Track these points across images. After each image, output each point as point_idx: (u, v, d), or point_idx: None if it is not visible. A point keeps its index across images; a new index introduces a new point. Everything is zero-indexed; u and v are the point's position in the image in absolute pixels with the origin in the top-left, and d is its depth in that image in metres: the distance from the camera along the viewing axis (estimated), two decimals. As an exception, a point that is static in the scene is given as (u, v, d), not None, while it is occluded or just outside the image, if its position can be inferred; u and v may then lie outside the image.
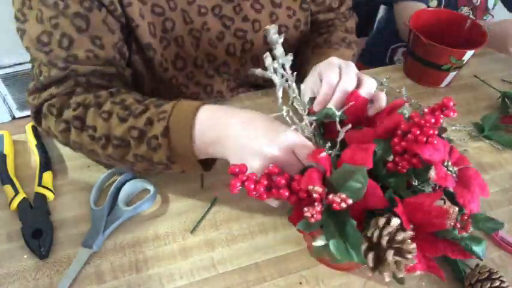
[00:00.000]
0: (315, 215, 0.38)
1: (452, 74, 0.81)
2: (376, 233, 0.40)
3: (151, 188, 0.59)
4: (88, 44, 0.56)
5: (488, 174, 0.67)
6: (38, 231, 0.54)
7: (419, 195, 0.43)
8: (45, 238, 0.53)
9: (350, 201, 0.39)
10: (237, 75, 0.76)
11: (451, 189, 0.44)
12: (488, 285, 0.49)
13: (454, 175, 0.44)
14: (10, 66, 1.57)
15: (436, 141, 0.43)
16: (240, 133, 0.48)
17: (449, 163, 0.45)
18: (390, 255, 0.38)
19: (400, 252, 0.39)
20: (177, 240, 0.56)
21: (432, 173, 0.42)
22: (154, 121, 0.50)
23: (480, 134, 0.73)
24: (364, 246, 0.40)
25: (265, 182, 0.42)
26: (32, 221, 0.55)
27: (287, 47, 0.45)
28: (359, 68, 0.61)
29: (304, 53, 0.76)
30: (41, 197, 0.58)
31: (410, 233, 0.40)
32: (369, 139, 0.47)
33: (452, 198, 0.44)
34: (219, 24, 0.68)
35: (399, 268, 0.39)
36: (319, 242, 0.41)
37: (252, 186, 0.41)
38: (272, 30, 0.42)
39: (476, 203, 0.44)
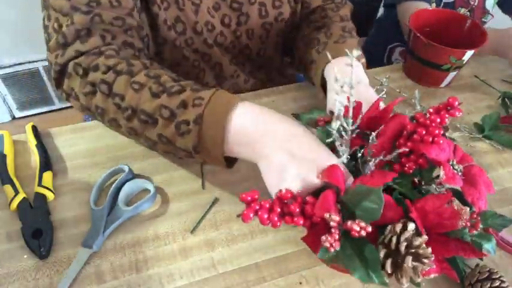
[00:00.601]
0: (333, 244, 0.38)
1: (452, 74, 0.81)
2: (394, 239, 0.39)
3: (151, 188, 0.59)
4: None
5: (488, 174, 0.67)
6: (38, 231, 0.54)
7: (429, 197, 0.42)
8: (45, 238, 0.53)
9: (369, 229, 0.38)
10: (232, 47, 0.76)
11: (458, 188, 0.44)
12: (488, 285, 0.49)
13: (460, 173, 0.44)
14: (10, 66, 1.57)
15: (441, 141, 0.43)
16: (283, 145, 0.45)
17: (455, 162, 0.45)
18: (409, 261, 0.38)
19: (417, 257, 0.39)
20: (177, 240, 0.56)
21: (441, 173, 0.42)
22: (188, 105, 0.47)
23: (480, 133, 0.73)
24: (382, 253, 0.39)
25: (278, 210, 0.41)
26: (32, 221, 0.55)
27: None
28: None
29: (301, 49, 0.75)
30: (41, 197, 0.58)
31: (425, 237, 0.39)
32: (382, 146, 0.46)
33: (459, 197, 0.44)
34: None
35: (416, 273, 0.38)
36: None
37: (266, 215, 0.40)
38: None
39: (484, 201, 0.44)
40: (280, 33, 0.80)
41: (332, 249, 0.38)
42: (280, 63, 0.89)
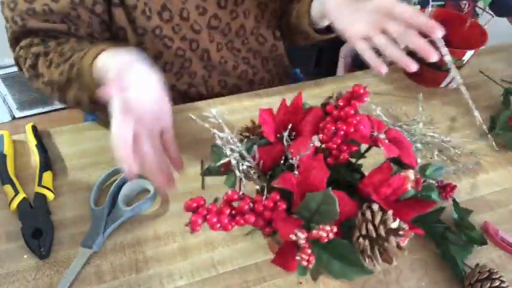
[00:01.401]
0: (309, 259, 0.37)
1: (452, 75, 0.81)
2: (370, 226, 0.40)
3: (151, 188, 0.59)
4: None
5: (488, 174, 0.67)
6: (38, 231, 0.54)
7: (372, 174, 0.43)
8: (45, 238, 0.53)
9: (335, 229, 0.37)
10: (228, 30, 0.77)
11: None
12: (488, 285, 0.49)
13: (387, 141, 0.45)
14: (10, 66, 1.57)
15: (362, 127, 0.44)
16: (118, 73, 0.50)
17: (378, 133, 0.45)
18: (393, 240, 0.38)
19: (395, 232, 0.39)
20: (177, 240, 0.56)
21: (383, 150, 0.43)
22: (74, 65, 0.56)
23: (490, 131, 0.72)
24: (367, 245, 0.39)
25: (227, 211, 0.39)
26: (32, 221, 0.55)
27: None
28: (353, 71, 0.61)
29: (287, 12, 0.79)
30: (41, 197, 0.58)
31: (391, 211, 0.40)
32: (303, 144, 0.45)
33: (394, 161, 0.45)
34: None
35: (400, 248, 0.39)
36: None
37: (215, 219, 0.38)
38: None
39: (413, 157, 0.45)
40: (274, 13, 0.81)
41: (310, 265, 0.37)
42: (274, 44, 0.87)
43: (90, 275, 0.52)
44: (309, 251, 0.37)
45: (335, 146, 0.44)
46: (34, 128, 0.67)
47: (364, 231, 0.40)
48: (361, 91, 0.43)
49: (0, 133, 0.65)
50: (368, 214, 0.40)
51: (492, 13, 1.02)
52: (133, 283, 0.51)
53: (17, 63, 0.67)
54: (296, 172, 0.42)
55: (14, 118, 1.78)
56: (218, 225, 0.38)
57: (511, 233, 0.59)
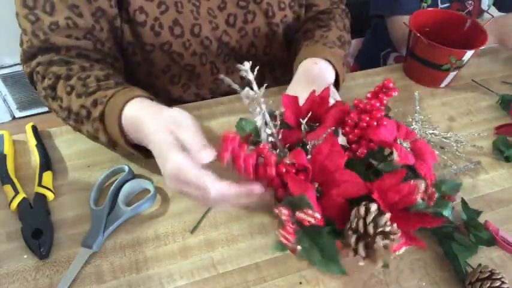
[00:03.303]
0: (289, 237, 0.39)
1: (452, 74, 0.81)
2: (361, 223, 0.40)
3: (151, 188, 0.59)
4: (67, 11, 0.59)
5: (488, 174, 0.67)
6: (38, 231, 0.54)
7: (385, 177, 0.43)
8: (45, 238, 0.53)
9: (318, 216, 0.39)
10: (239, 47, 0.77)
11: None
12: (488, 284, 0.49)
13: (409, 150, 0.45)
14: (10, 66, 1.57)
15: (385, 123, 0.45)
16: (165, 127, 0.47)
17: (402, 140, 0.46)
18: (380, 240, 0.39)
19: (385, 235, 0.40)
20: (177, 240, 0.56)
21: (395, 155, 0.43)
22: (98, 103, 0.53)
23: (502, 155, 0.70)
24: (353, 239, 0.40)
25: (254, 156, 0.42)
26: (32, 221, 0.55)
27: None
28: (354, 71, 0.62)
29: (298, 40, 0.78)
30: (41, 197, 0.58)
31: (388, 214, 0.40)
32: (321, 134, 0.46)
33: (410, 171, 0.45)
34: None
35: (388, 250, 0.39)
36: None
37: (242, 155, 0.41)
38: (245, 67, 0.41)
39: (433, 171, 0.46)
40: (285, 34, 0.81)
41: (288, 243, 0.39)
42: (283, 56, 0.88)
43: (90, 275, 0.52)
44: (291, 230, 0.39)
45: (355, 138, 0.45)
46: (34, 128, 0.67)
47: (354, 225, 0.40)
48: (391, 85, 0.43)
49: (0, 133, 0.65)
50: (362, 211, 0.40)
51: (492, 14, 1.02)
52: (133, 283, 0.51)
53: (31, 78, 0.64)
54: (309, 156, 0.43)
55: (14, 118, 1.78)
56: (242, 163, 0.40)
57: (511, 232, 0.59)
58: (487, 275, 0.50)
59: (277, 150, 0.46)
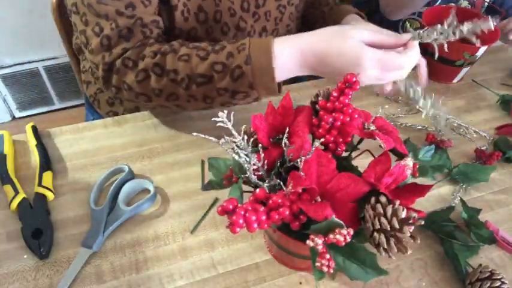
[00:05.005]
0: (330, 264, 0.37)
1: (464, 70, 0.81)
2: (384, 220, 0.39)
3: (151, 188, 0.59)
4: None
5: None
6: (38, 231, 0.54)
7: (374, 164, 0.43)
8: (45, 238, 0.53)
9: (351, 231, 0.37)
10: (253, 32, 0.78)
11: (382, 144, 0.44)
12: (488, 284, 0.49)
13: (378, 131, 0.45)
14: (10, 66, 1.57)
15: (356, 115, 0.45)
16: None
17: (368, 125, 0.46)
18: (407, 230, 0.38)
19: (405, 221, 0.39)
20: (177, 240, 0.56)
21: (382, 144, 0.43)
22: (234, 54, 0.55)
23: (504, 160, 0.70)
24: (382, 239, 0.39)
25: (261, 208, 0.38)
26: (32, 221, 0.55)
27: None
28: None
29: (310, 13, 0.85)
30: (41, 197, 0.58)
31: (398, 200, 0.40)
32: (300, 143, 0.45)
33: (393, 152, 0.46)
34: None
35: (413, 237, 0.39)
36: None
37: (254, 217, 0.36)
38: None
39: (402, 144, 0.46)
40: (292, 17, 0.83)
41: (331, 270, 0.38)
42: None
43: (90, 275, 0.52)
44: (328, 256, 0.37)
45: (332, 138, 0.45)
46: (34, 128, 0.67)
47: (377, 225, 0.40)
48: (354, 79, 0.43)
49: (0, 133, 0.65)
50: (379, 208, 0.40)
51: (502, 10, 1.02)
52: (133, 283, 0.51)
53: (110, 68, 0.60)
54: (302, 173, 0.42)
55: (14, 118, 1.78)
56: (255, 224, 0.36)
57: (511, 232, 0.59)
58: (487, 275, 0.50)
59: (267, 181, 0.43)
